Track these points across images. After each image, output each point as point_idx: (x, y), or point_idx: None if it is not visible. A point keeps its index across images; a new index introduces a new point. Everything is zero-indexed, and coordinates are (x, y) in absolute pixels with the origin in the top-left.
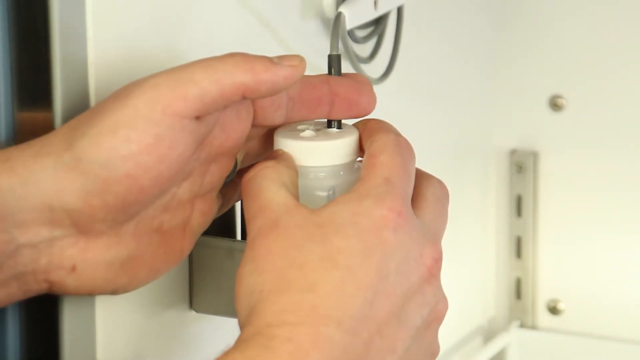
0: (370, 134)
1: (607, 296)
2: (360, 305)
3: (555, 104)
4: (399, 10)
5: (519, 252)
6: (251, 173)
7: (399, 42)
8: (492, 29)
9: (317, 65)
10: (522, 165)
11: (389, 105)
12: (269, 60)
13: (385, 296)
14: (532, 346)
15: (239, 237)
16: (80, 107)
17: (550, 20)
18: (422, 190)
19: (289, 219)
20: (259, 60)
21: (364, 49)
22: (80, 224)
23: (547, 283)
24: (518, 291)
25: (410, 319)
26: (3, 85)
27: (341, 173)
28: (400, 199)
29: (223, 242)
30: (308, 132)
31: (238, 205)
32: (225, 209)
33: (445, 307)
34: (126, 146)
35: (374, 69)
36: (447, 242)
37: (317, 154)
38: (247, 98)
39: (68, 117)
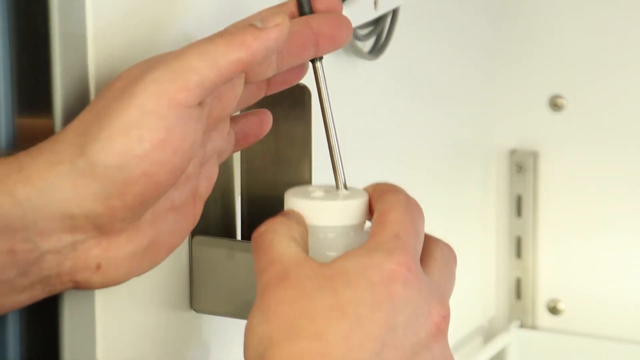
0: (380, 195)
1: (607, 296)
2: (368, 357)
3: (555, 104)
4: (394, 11)
5: (519, 252)
6: (262, 228)
7: (390, 38)
8: (492, 29)
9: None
10: (522, 165)
11: (389, 105)
12: (255, 28)
13: (393, 349)
14: (532, 346)
15: (239, 237)
16: (80, 107)
17: (550, 20)
18: (431, 251)
19: (299, 271)
20: (247, 32)
21: (364, 46)
22: (102, 226)
23: (547, 283)
24: (518, 291)
25: None
26: (3, 85)
27: (351, 234)
28: (409, 255)
29: (223, 242)
30: (318, 193)
31: (238, 206)
32: (222, 160)
33: None
34: (139, 146)
35: (374, 67)
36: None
37: (327, 213)
38: (245, 71)
39: (68, 118)
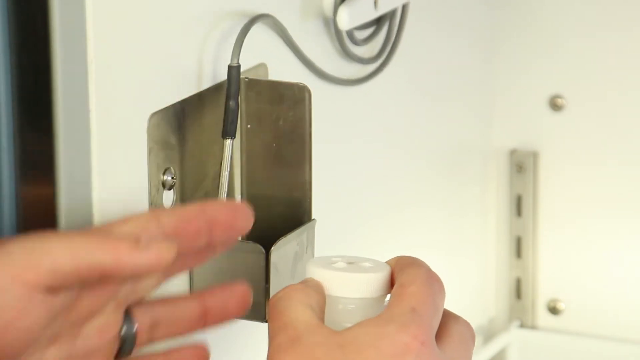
0: (402, 268)
1: (607, 296)
2: None
3: (555, 104)
4: (403, 9)
5: (519, 252)
6: (279, 294)
7: (399, 41)
8: (492, 29)
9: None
10: (522, 165)
11: (387, 104)
12: (137, 241)
13: None
14: (532, 346)
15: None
16: (80, 107)
17: (550, 20)
18: (448, 327)
19: (310, 337)
20: (124, 241)
21: (368, 50)
22: None
23: (547, 283)
24: (518, 291)
25: None
26: (3, 86)
27: (371, 307)
28: (424, 329)
29: None
30: (341, 264)
31: None
32: None
33: None
34: None
35: (374, 68)
36: (448, 241)
37: (348, 284)
38: (105, 279)
39: (68, 116)
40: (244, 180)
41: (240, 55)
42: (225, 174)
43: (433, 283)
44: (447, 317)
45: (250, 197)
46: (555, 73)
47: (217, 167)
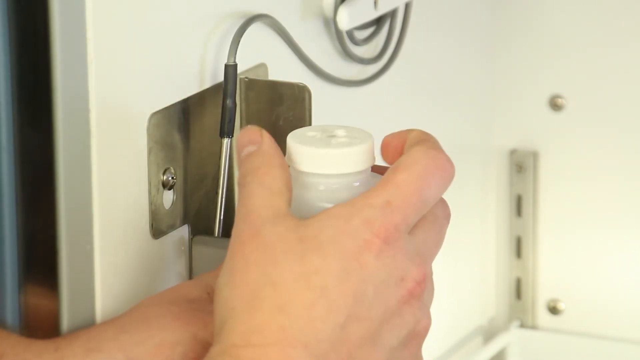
0: (410, 145)
1: (607, 296)
2: (330, 329)
3: (555, 104)
4: (406, 10)
5: (519, 252)
6: (246, 177)
7: (401, 41)
8: (491, 28)
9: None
10: (522, 165)
11: (387, 104)
12: None
13: (358, 320)
14: (532, 346)
15: None
16: (80, 107)
17: (550, 20)
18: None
19: (271, 229)
20: None
21: (368, 50)
22: None
23: (547, 283)
24: (518, 291)
25: (385, 340)
26: (3, 86)
27: (355, 184)
28: (391, 226)
29: (223, 242)
30: (320, 138)
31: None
32: None
33: (427, 326)
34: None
35: (375, 67)
36: (447, 241)
37: (322, 161)
38: None
39: (68, 116)
40: None
41: (241, 55)
42: (224, 173)
43: (434, 172)
44: None
45: None
46: (555, 73)
47: (217, 167)
